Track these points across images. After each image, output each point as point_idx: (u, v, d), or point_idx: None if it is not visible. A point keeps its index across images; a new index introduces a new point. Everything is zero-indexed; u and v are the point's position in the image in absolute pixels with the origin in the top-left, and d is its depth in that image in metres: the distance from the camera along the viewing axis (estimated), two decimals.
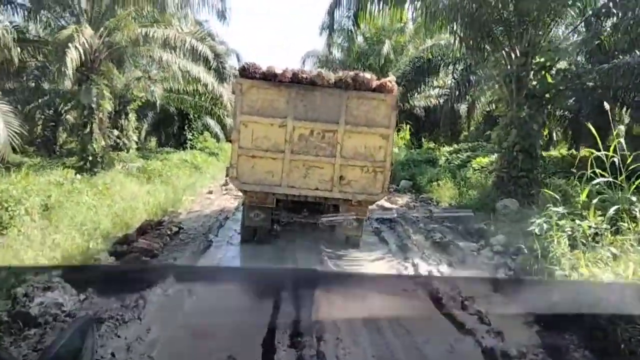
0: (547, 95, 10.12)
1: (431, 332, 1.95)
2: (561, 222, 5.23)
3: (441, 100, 22.74)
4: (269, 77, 6.74)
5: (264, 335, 1.71)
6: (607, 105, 4.88)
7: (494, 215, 9.14)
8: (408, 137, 21.56)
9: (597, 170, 4.97)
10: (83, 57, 12.20)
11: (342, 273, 4.55)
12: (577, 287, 2.50)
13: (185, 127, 24.50)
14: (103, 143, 13.75)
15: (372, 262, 7.00)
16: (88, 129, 13.37)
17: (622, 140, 4.84)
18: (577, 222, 5.15)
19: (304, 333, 1.86)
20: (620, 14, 9.29)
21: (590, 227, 4.92)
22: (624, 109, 15.17)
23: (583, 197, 5.12)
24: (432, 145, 22.28)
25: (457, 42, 11.02)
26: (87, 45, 11.90)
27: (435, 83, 22.12)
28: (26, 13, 13.94)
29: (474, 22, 9.92)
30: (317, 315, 1.82)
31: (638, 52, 10.72)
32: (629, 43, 9.66)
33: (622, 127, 15.59)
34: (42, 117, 21.15)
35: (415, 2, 10.12)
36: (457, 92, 16.59)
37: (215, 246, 7.48)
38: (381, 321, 2.01)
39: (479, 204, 10.36)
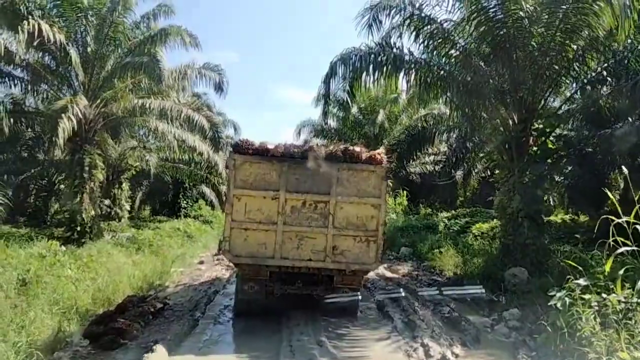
0: (549, 161, 9.97)
1: None
2: (585, 296, 4.73)
3: (437, 167, 22.84)
4: (262, 152, 6.95)
5: None
6: (625, 170, 4.54)
7: (503, 285, 8.59)
8: (405, 202, 21.34)
9: (619, 239, 4.57)
10: (77, 128, 12.15)
11: None
12: None
13: (180, 195, 24.33)
14: (93, 213, 13.37)
15: (376, 341, 6.34)
16: (78, 199, 13.02)
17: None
18: (604, 295, 4.66)
19: None
20: (614, 81, 9.40)
21: (619, 301, 4.43)
22: (619, 174, 15.08)
23: (607, 267, 4.66)
24: (429, 210, 22.07)
25: (453, 110, 11.06)
26: (80, 116, 11.87)
27: (430, 150, 22.30)
28: (25, 85, 14.11)
29: (470, 90, 9.99)
30: None
31: (632, 118, 10.80)
32: (628, 107, 9.68)
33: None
34: (36, 187, 20.92)
35: (410, 73, 10.23)
36: (454, 159, 16.55)
37: (202, 326, 6.84)
38: None
39: (485, 273, 9.84)
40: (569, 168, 13.45)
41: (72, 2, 12.60)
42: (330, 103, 13.82)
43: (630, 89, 8.67)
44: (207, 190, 25.46)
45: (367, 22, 9.72)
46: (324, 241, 6.84)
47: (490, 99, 9.99)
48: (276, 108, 78.14)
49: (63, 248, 10.24)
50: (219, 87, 15.28)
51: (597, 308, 4.61)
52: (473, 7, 9.26)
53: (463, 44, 10.19)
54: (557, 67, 9.45)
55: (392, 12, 9.75)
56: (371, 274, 10.71)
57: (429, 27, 9.93)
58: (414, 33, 10.02)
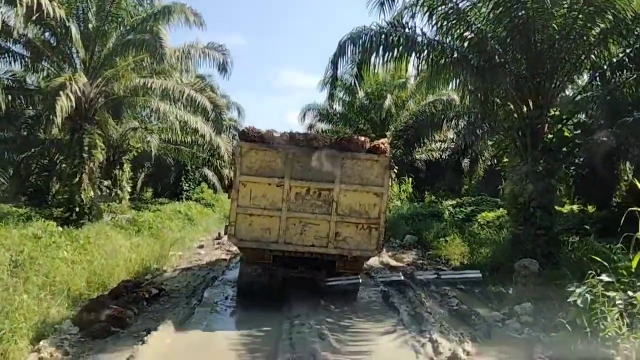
0: (565, 149, 9.56)
1: None
2: (609, 294, 4.40)
3: (443, 154, 22.46)
4: (268, 140, 7.09)
5: None
6: None
7: (513, 276, 8.27)
8: (410, 190, 21.00)
9: None
10: (77, 106, 11.84)
11: None
12: None
13: (182, 178, 24.06)
14: (92, 193, 13.12)
15: (381, 335, 6.04)
16: (77, 179, 12.77)
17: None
18: (630, 293, 4.34)
19: None
20: (634, 67, 8.93)
21: None
22: (628, 164, 14.65)
23: (635, 262, 4.32)
24: (433, 198, 21.78)
25: (465, 94, 10.62)
26: (80, 94, 11.54)
27: (437, 137, 21.90)
28: (25, 62, 13.76)
29: (484, 74, 9.55)
30: None
31: None
32: None
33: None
34: (37, 166, 20.69)
35: (422, 56, 9.79)
36: (463, 146, 16.15)
37: (198, 314, 6.56)
38: None
39: (493, 263, 9.57)
40: (581, 157, 13.05)
41: None
42: (337, 86, 13.44)
43: None
44: (209, 173, 25.21)
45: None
46: (327, 228, 6.99)
47: (505, 83, 9.54)
48: (281, 92, 77.57)
49: (60, 229, 10.00)
50: (222, 68, 14.83)
51: (622, 307, 4.29)
52: None
53: (478, 25, 9.70)
54: (577, 52, 8.97)
55: None
56: (375, 263, 10.48)
57: (443, 7, 9.46)
58: (427, 13, 9.56)
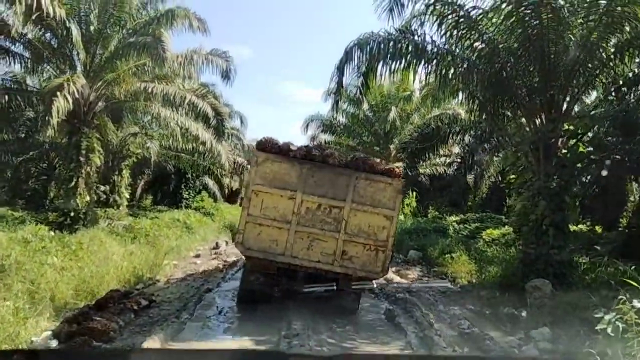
0: (579, 165, 9.20)
1: None
2: None
3: (448, 169, 22.14)
4: (284, 152, 7.12)
5: None
6: None
7: (525, 297, 7.84)
8: (414, 204, 20.60)
9: None
10: (75, 108, 11.58)
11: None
12: None
13: (182, 186, 23.70)
14: (88, 198, 12.80)
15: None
16: (73, 183, 12.46)
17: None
18: None
19: None
20: None
21: None
22: (635, 185, 14.27)
23: None
24: (437, 213, 21.38)
25: (474, 106, 10.28)
26: (78, 96, 11.25)
27: (441, 152, 21.59)
28: (25, 63, 13.53)
29: (494, 86, 9.25)
30: None
31: None
32: None
33: None
34: (36, 170, 20.39)
35: (431, 65, 9.48)
36: (469, 161, 15.77)
37: (189, 330, 6.11)
38: None
39: (502, 282, 9.11)
40: (590, 175, 12.68)
41: None
42: (342, 95, 13.10)
43: None
44: (210, 182, 24.87)
45: (387, 5, 8.95)
46: (334, 245, 6.96)
47: (517, 96, 9.21)
48: (285, 104, 77.66)
49: (51, 233, 9.63)
50: (226, 75, 14.59)
51: None
52: None
53: (490, 35, 9.41)
54: (593, 64, 8.66)
55: None
56: (379, 279, 10.04)
57: (454, 15, 9.17)
58: (436, 21, 9.27)
